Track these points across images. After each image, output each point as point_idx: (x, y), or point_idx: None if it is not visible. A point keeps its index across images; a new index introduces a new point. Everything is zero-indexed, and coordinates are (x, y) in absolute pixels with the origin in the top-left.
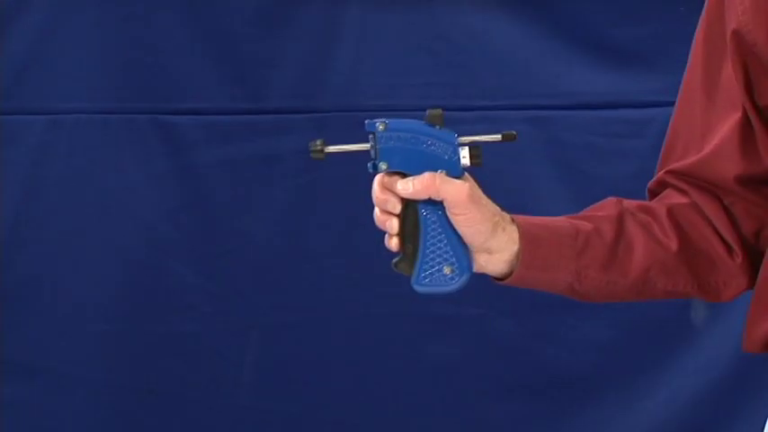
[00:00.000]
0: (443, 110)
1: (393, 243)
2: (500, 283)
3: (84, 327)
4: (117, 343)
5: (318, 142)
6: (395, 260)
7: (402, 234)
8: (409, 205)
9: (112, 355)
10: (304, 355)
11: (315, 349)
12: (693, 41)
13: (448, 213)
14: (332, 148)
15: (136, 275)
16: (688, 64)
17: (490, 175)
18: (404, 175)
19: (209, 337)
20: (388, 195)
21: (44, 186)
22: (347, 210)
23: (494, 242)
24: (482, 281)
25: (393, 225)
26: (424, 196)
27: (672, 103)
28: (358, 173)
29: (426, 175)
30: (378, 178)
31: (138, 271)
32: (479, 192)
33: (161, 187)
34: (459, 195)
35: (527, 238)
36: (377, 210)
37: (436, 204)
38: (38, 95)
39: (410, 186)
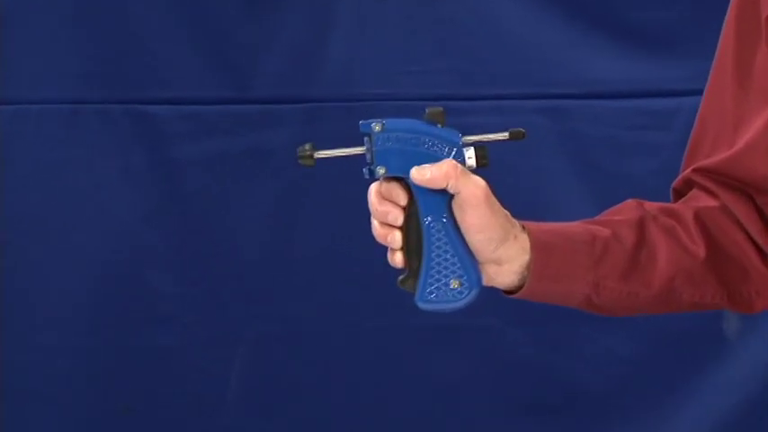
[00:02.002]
0: (448, 100)
1: (397, 259)
2: (511, 296)
3: (53, 340)
4: (90, 358)
5: (307, 147)
6: (401, 277)
7: (406, 248)
8: (412, 215)
9: (85, 370)
10: (295, 370)
11: (307, 364)
12: (724, 25)
13: (458, 217)
14: (322, 154)
15: (109, 283)
16: (718, 50)
17: (499, 172)
18: (403, 181)
19: (190, 350)
20: (388, 206)
21: (6, 184)
22: (342, 208)
23: (503, 252)
24: (491, 288)
25: (396, 239)
26: (441, 185)
27: (701, 92)
28: (354, 169)
29: (446, 162)
30: (374, 187)
31: (112, 278)
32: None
33: (137, 185)
34: (476, 191)
35: (539, 247)
36: (375, 223)
37: (441, 211)
38: (0, 83)
39: (427, 173)
